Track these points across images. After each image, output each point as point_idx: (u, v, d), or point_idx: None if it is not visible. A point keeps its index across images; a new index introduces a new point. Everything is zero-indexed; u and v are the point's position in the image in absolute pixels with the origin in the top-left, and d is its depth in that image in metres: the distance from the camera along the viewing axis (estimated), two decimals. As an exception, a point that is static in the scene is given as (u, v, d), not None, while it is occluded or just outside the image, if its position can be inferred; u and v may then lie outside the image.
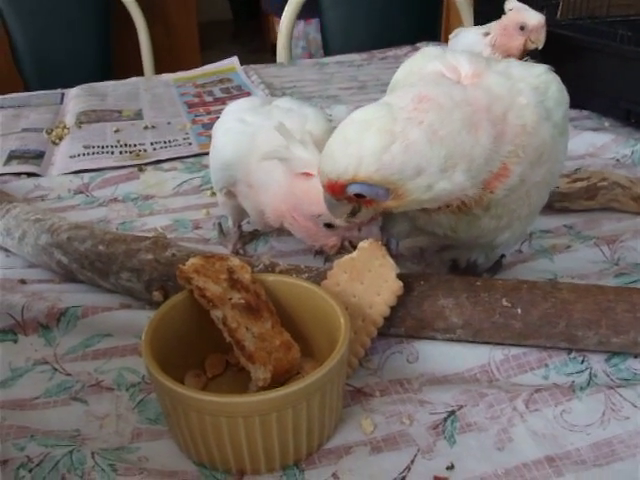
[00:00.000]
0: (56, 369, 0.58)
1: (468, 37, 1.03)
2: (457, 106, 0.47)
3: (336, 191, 0.49)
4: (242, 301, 0.52)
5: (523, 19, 0.96)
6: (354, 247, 0.60)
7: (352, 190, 0.48)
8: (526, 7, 0.98)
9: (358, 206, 0.51)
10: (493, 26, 0.99)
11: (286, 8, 1.57)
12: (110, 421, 0.52)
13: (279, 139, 0.59)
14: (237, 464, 0.46)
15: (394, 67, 1.48)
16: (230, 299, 0.52)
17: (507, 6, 1.01)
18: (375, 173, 0.46)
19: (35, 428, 0.51)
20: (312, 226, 0.60)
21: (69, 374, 0.58)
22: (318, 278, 0.58)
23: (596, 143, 0.94)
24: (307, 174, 0.58)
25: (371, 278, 0.54)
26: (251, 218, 0.70)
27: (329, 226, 0.59)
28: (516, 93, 0.50)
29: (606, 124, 1.02)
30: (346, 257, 0.56)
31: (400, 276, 0.55)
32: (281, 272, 0.60)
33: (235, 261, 0.55)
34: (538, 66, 0.54)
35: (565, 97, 0.54)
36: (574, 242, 0.72)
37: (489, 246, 0.60)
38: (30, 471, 0.47)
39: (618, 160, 0.91)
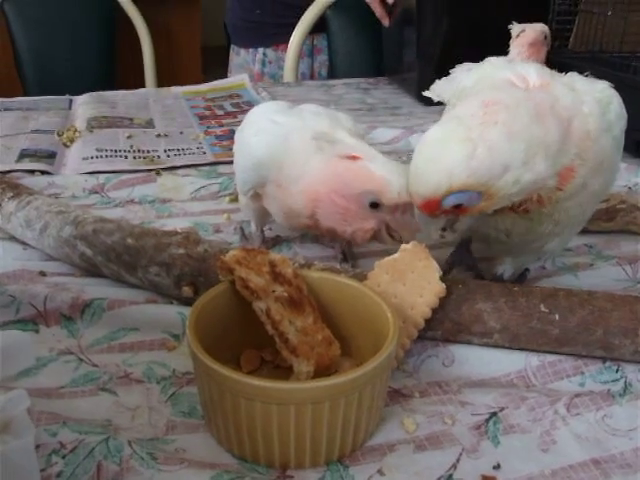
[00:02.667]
0: (82, 359, 0.57)
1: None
2: (522, 104, 0.50)
3: (433, 208, 0.51)
4: (285, 294, 0.52)
5: (542, 29, 1.02)
6: (390, 235, 0.61)
7: (449, 202, 0.50)
8: (528, 25, 1.03)
9: (455, 217, 0.53)
10: (515, 52, 1.02)
11: (295, 31, 1.60)
12: (142, 412, 0.51)
13: (316, 132, 0.60)
14: (282, 457, 0.45)
15: (401, 92, 1.50)
16: (273, 291, 0.52)
17: (516, 29, 1.05)
18: (468, 179, 0.48)
19: (66, 416, 0.49)
20: (353, 207, 0.60)
21: (95, 365, 0.56)
22: (355, 279, 0.57)
23: (607, 171, 0.96)
24: (354, 157, 0.59)
25: (413, 279, 0.54)
26: (276, 219, 0.70)
27: (375, 206, 0.59)
28: (580, 103, 0.53)
29: (615, 154, 1.04)
30: (388, 258, 0.56)
31: (440, 278, 0.55)
32: (319, 270, 0.59)
33: (276, 255, 0.55)
34: (600, 82, 0.56)
35: (624, 113, 0.56)
36: (596, 261, 0.73)
37: (536, 252, 0.62)
38: (63, 457, 0.45)
39: (630, 188, 0.93)
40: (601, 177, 0.55)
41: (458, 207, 0.51)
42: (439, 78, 0.68)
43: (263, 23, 1.72)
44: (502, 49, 1.04)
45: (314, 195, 0.62)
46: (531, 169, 0.49)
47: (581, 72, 0.89)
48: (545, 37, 1.02)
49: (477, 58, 0.63)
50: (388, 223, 0.60)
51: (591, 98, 0.54)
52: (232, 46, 1.82)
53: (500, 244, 0.60)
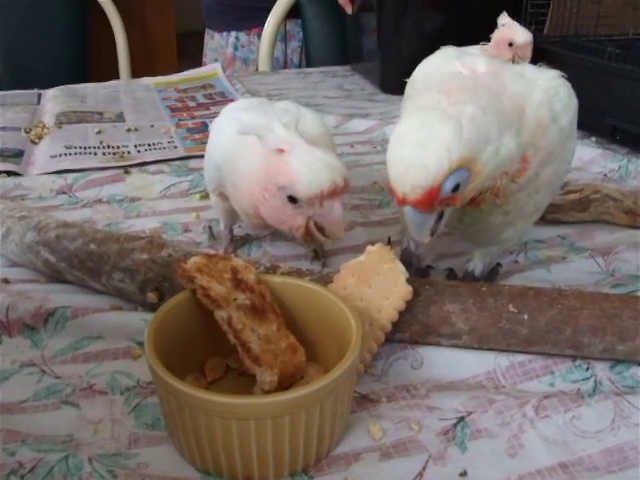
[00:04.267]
0: (44, 371, 0.56)
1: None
2: (479, 85, 0.50)
3: (432, 197, 0.47)
4: (247, 302, 0.51)
5: (512, 36, 0.98)
6: (320, 229, 0.58)
7: (449, 184, 0.47)
8: (516, 24, 0.99)
9: (440, 213, 0.51)
10: (480, 47, 0.99)
11: (269, 17, 1.57)
12: (105, 426, 0.50)
13: (244, 127, 0.59)
14: (244, 470, 0.44)
15: (378, 79, 1.49)
16: (235, 299, 0.50)
17: (500, 21, 1.02)
18: (464, 152, 0.47)
19: (26, 432, 0.48)
20: (280, 204, 0.58)
21: (59, 377, 0.55)
22: (321, 281, 0.56)
23: (583, 157, 0.95)
24: (281, 150, 0.56)
25: (379, 282, 0.54)
26: (243, 220, 0.69)
27: (292, 200, 0.56)
28: (530, 92, 0.53)
29: (592, 139, 1.03)
30: (354, 260, 0.55)
31: (407, 281, 0.54)
32: (282, 275, 0.58)
33: (239, 261, 0.54)
34: (550, 71, 0.56)
35: (573, 102, 0.56)
36: (569, 253, 0.72)
37: (495, 241, 0.62)
38: (22, 477, 0.44)
39: (605, 175, 0.93)
40: (550, 167, 0.55)
41: (455, 190, 0.48)
42: (402, 68, 0.66)
43: (237, 6, 1.70)
44: (468, 37, 1.01)
45: (252, 194, 0.60)
46: (505, 144, 0.49)
47: (555, 57, 0.89)
48: (510, 44, 0.98)
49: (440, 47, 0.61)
50: (313, 218, 0.57)
51: (539, 87, 0.54)
52: (207, 30, 1.82)
53: (458, 230, 0.62)
